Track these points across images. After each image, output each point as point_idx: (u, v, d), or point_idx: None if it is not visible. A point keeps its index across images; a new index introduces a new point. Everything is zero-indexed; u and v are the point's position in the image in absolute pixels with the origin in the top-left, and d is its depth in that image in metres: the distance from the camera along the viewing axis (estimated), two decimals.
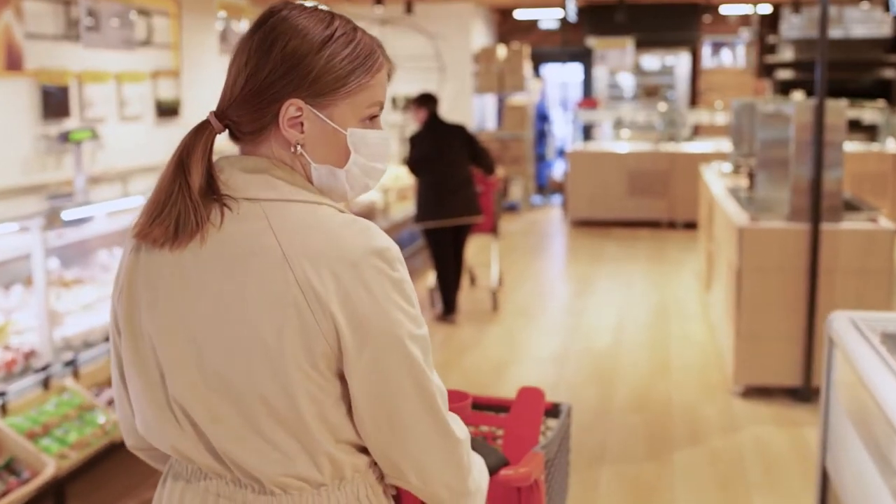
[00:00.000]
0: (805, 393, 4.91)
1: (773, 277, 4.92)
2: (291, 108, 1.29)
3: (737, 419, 4.74)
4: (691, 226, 9.74)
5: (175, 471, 1.38)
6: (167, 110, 7.77)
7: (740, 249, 4.93)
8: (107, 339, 4.12)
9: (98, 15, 6.59)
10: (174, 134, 7.81)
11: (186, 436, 1.31)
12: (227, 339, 1.25)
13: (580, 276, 8.30)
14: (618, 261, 8.89)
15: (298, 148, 1.30)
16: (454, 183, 6.41)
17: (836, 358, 2.76)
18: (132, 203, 4.80)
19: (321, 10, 1.33)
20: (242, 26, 7.08)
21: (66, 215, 3.96)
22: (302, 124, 1.30)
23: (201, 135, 1.30)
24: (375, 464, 1.35)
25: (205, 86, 8.23)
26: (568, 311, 7.06)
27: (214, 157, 1.32)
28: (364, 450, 1.34)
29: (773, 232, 4.94)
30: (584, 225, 10.74)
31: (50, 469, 3.32)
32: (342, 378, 1.27)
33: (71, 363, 3.88)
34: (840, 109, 4.87)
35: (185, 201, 1.26)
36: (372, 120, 1.36)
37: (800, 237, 4.86)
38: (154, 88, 7.60)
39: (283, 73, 1.28)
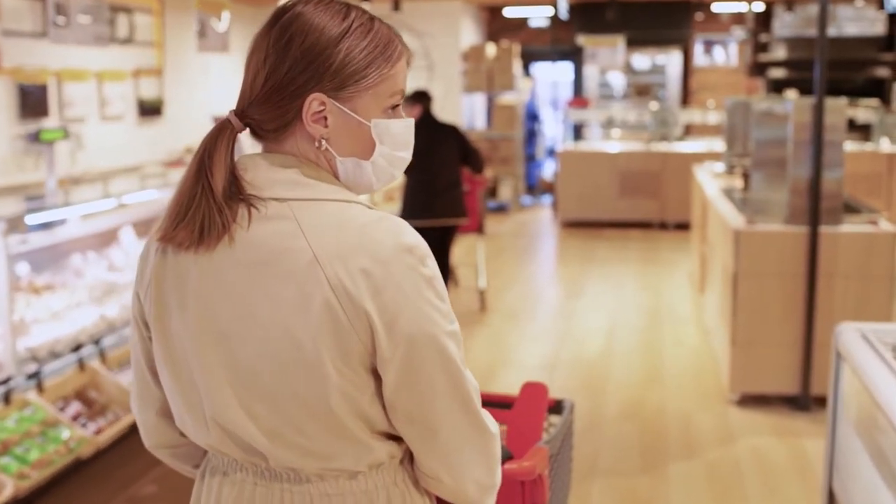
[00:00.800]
0: (804, 401, 4.76)
1: (771, 282, 4.77)
2: (314, 102, 1.28)
3: (733, 429, 4.58)
4: (683, 227, 9.61)
5: (212, 465, 1.39)
6: (150, 109, 7.58)
7: (736, 253, 4.78)
8: (74, 350, 3.94)
9: (67, 10, 6.40)
10: (157, 134, 7.65)
11: (216, 437, 1.31)
12: (259, 339, 1.25)
13: (570, 277, 8.15)
14: (609, 262, 8.74)
15: (323, 143, 1.30)
16: (444, 182, 6.27)
17: (844, 372, 2.60)
18: (106, 205, 4.63)
19: (336, 3, 1.32)
20: (222, 24, 6.89)
21: (31, 219, 3.78)
22: (326, 118, 1.29)
23: (222, 135, 1.29)
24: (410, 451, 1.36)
25: (189, 84, 8.05)
26: (558, 314, 6.90)
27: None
28: (400, 437, 1.33)
29: (770, 235, 4.78)
30: (575, 226, 10.60)
31: (8, 490, 3.14)
32: (376, 374, 1.27)
33: (35, 376, 3.69)
34: (840, 108, 4.73)
35: (208, 204, 1.25)
36: (394, 109, 1.36)
37: (798, 240, 4.72)
38: (136, 87, 7.42)
39: (304, 69, 1.27)
